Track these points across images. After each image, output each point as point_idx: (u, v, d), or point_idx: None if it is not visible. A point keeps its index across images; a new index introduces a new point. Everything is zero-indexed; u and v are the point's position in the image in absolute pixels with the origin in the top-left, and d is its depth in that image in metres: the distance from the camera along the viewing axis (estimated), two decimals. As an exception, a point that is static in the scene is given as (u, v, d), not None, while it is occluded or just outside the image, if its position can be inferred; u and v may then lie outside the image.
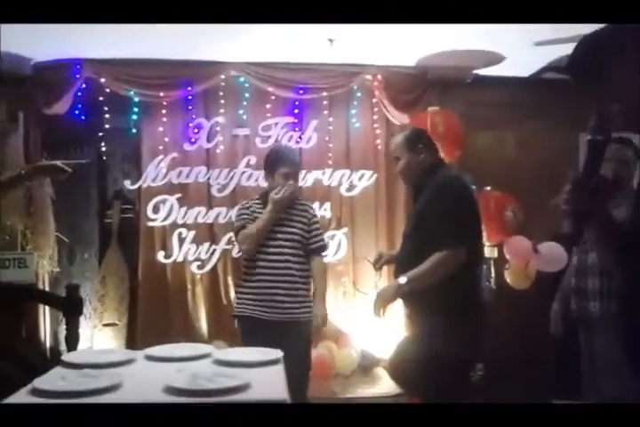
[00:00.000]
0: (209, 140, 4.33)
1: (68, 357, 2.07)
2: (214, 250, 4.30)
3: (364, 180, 4.44)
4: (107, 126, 4.19)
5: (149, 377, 1.84)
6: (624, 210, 1.51)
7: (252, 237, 3.00)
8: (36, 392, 1.64)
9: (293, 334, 2.98)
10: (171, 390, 1.65)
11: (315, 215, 3.26)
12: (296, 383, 2.95)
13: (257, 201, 3.16)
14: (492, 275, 4.19)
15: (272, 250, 3.02)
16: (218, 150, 4.33)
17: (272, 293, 2.99)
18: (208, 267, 4.30)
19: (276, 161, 3.11)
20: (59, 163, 2.56)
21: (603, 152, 1.37)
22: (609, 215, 1.38)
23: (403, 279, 2.41)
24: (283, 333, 2.89)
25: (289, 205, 3.10)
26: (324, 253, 3.27)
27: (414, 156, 2.60)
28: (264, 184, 4.29)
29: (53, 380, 1.74)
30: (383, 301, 2.45)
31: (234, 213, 4.26)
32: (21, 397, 1.64)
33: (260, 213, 3.07)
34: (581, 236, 1.39)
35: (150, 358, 2.07)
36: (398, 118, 4.34)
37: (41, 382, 1.70)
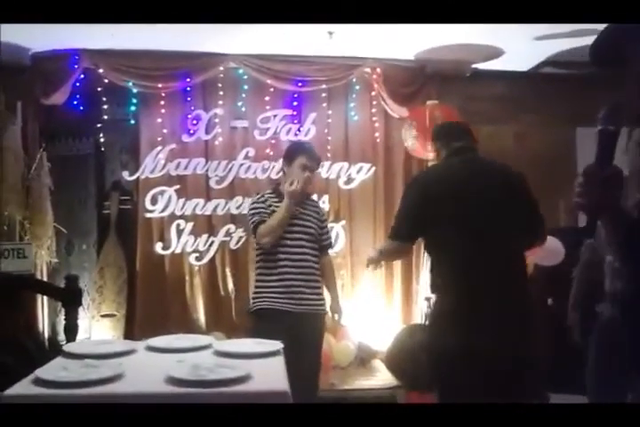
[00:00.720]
0: (207, 132, 4.32)
1: (69, 347, 2.08)
2: (212, 242, 4.30)
3: (362, 172, 4.45)
4: (105, 117, 4.18)
5: (151, 368, 1.85)
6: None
7: (273, 230, 2.94)
8: (38, 382, 1.65)
9: (312, 325, 3.00)
10: (172, 381, 1.66)
11: (324, 212, 3.28)
12: (312, 374, 2.99)
13: (272, 195, 3.11)
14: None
15: (291, 243, 2.99)
16: (216, 142, 4.32)
17: (295, 284, 2.96)
18: (206, 259, 4.30)
19: (295, 151, 3.09)
20: None
21: (615, 142, 1.33)
22: (620, 207, 1.34)
23: (372, 251, 2.77)
24: (303, 325, 2.91)
25: (302, 200, 3.07)
26: (329, 250, 3.28)
27: (435, 153, 2.64)
28: (262, 176, 4.34)
29: (55, 370, 1.75)
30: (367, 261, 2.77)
31: (232, 204, 4.29)
32: (24, 387, 1.65)
33: (277, 206, 3.01)
34: (594, 229, 1.35)
35: (151, 348, 2.08)
36: (397, 111, 4.35)
37: (43, 373, 1.71)
